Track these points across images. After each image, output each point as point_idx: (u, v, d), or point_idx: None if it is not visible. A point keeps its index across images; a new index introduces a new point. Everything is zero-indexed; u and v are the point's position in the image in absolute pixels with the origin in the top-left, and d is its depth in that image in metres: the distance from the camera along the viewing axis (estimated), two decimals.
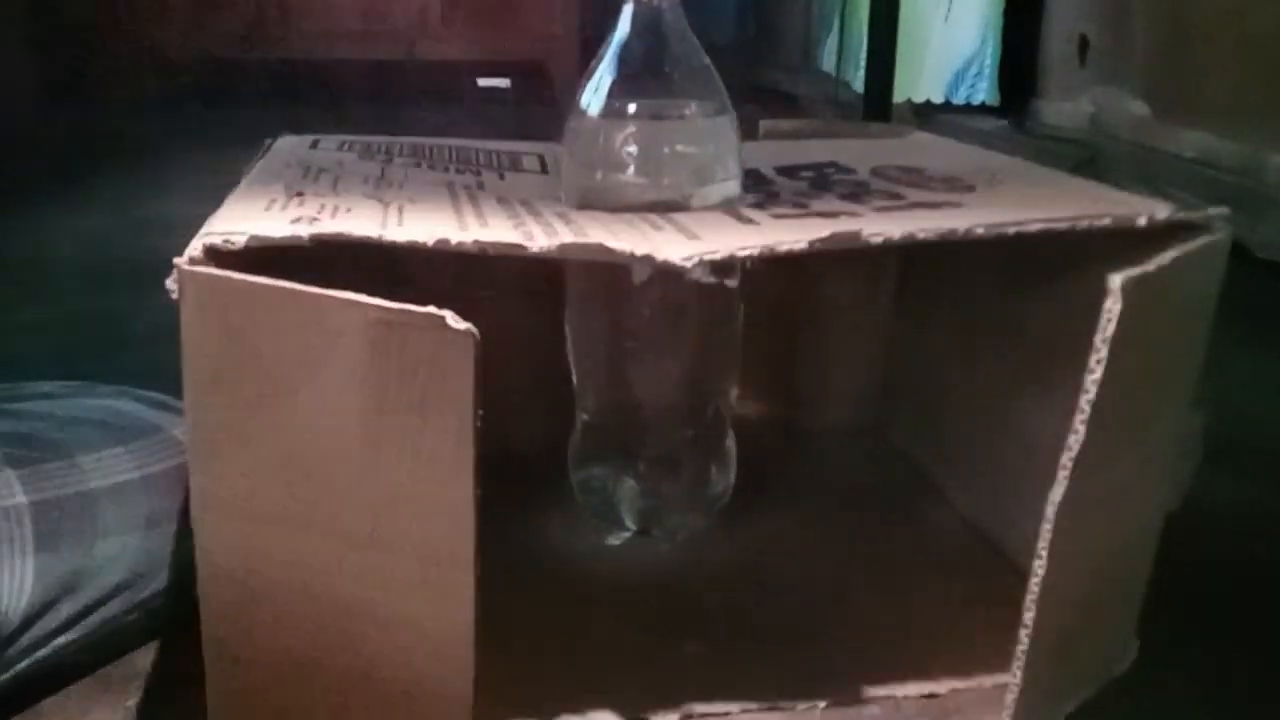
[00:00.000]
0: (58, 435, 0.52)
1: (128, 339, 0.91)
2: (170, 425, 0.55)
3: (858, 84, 2.02)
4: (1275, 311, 1.08)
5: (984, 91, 1.98)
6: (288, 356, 0.37)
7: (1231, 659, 0.54)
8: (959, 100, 2.00)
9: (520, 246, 0.40)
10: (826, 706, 0.49)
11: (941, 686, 0.51)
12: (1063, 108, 1.79)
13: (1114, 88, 1.65)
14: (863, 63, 1.98)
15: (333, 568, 0.40)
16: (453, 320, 0.34)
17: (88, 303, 1.07)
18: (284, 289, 0.36)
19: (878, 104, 1.88)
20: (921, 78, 2.03)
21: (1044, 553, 0.43)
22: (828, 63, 2.36)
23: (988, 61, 1.97)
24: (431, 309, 0.35)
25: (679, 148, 0.51)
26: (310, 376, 0.37)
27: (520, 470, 0.71)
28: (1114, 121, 1.64)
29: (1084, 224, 0.44)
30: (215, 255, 0.37)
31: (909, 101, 2.01)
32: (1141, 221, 0.44)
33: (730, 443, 0.62)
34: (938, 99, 2.03)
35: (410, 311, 0.35)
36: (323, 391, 0.37)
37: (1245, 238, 1.20)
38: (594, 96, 0.52)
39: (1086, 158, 1.55)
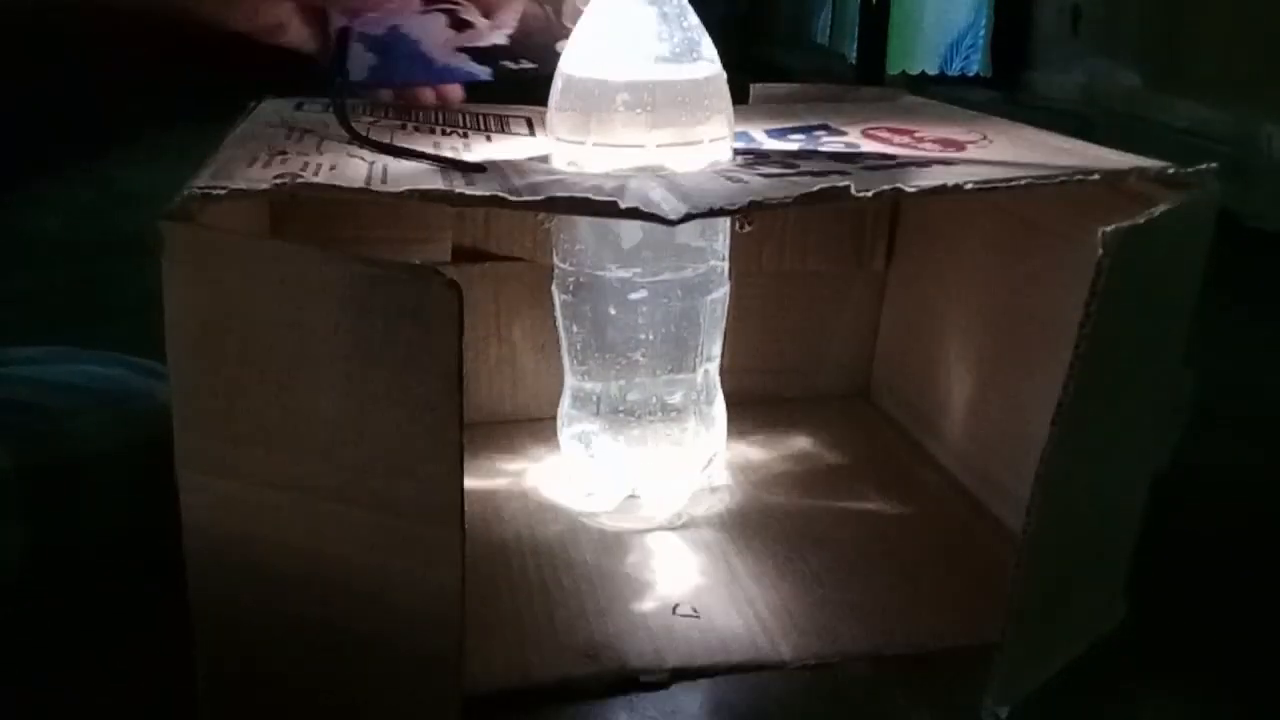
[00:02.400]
0: (46, 401, 0.52)
1: (116, 310, 0.91)
2: (160, 392, 0.54)
3: (852, 57, 2.01)
4: (1266, 279, 1.08)
5: (977, 63, 1.97)
6: (271, 312, 0.36)
7: (1220, 620, 0.55)
8: (953, 72, 2.00)
9: (503, 199, 0.40)
10: (814, 665, 0.49)
11: (929, 646, 0.51)
12: (1056, 79, 1.79)
13: (1107, 58, 1.64)
14: (856, 35, 1.98)
15: (320, 527, 0.39)
16: (436, 273, 0.34)
17: (75, 274, 1.07)
18: (266, 243, 0.35)
19: (871, 76, 1.88)
20: (915, 50, 2.02)
21: (1032, 508, 0.43)
22: (822, 36, 2.34)
23: (981, 33, 1.96)
24: (414, 261, 0.34)
25: (667, 107, 0.51)
26: (294, 333, 0.37)
27: (510, 435, 0.71)
28: (1107, 92, 1.63)
29: (1075, 179, 0.44)
30: (198, 212, 0.37)
31: (903, 73, 2.00)
32: (1131, 177, 0.44)
33: (720, 408, 0.62)
34: (932, 71, 2.02)
35: (394, 264, 0.34)
36: (307, 348, 0.37)
37: (1237, 207, 1.20)
38: (582, 57, 0.52)
39: (1079, 129, 1.55)
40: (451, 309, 0.34)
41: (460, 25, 0.57)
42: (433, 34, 0.57)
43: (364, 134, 0.50)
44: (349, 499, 0.38)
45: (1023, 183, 0.43)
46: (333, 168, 0.43)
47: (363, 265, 0.35)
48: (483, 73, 0.57)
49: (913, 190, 0.42)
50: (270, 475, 0.38)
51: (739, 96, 0.57)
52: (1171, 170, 0.44)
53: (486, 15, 0.57)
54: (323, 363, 0.36)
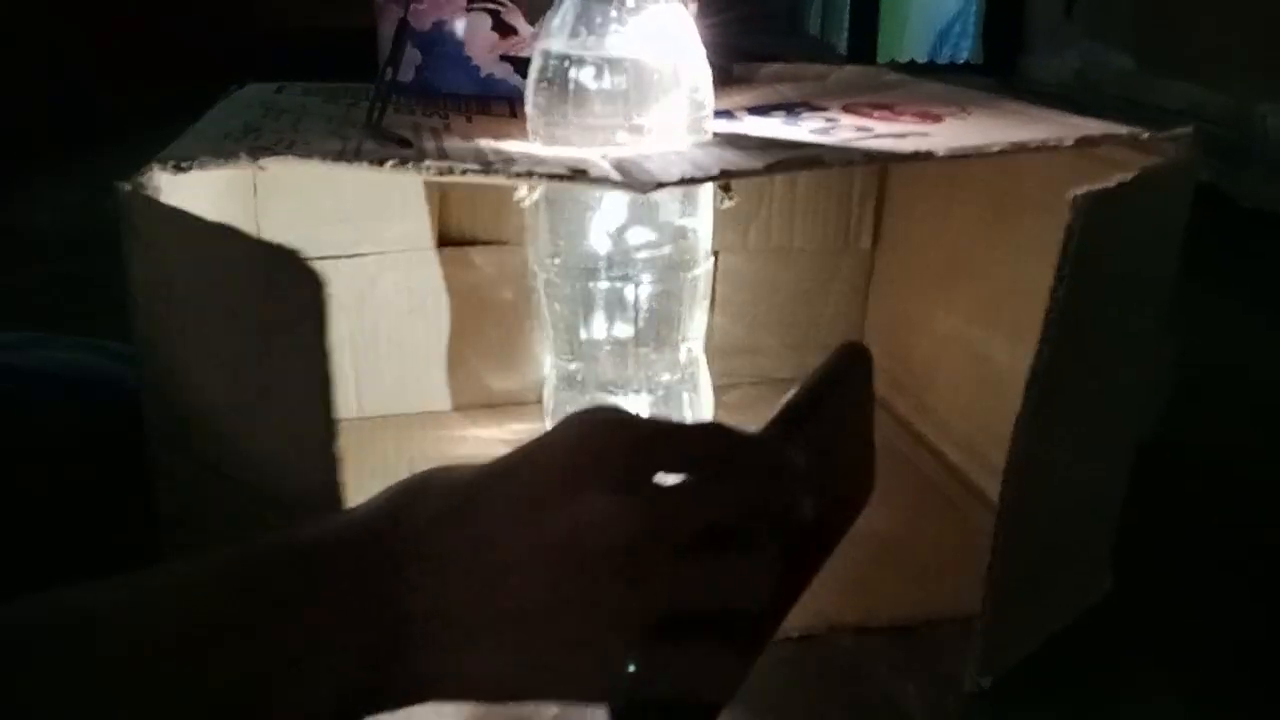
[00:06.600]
0: (14, 387, 0.51)
1: (107, 304, 0.91)
2: (130, 378, 0.54)
3: (843, 47, 2.01)
4: (1258, 258, 1.08)
5: (968, 50, 1.97)
6: (200, 287, 0.35)
7: (1208, 594, 0.54)
8: (943, 60, 2.00)
9: (479, 171, 0.40)
10: (799, 638, 0.49)
11: (912, 619, 0.51)
12: (1049, 64, 1.78)
13: (1101, 42, 1.64)
14: (847, 25, 1.97)
15: (243, 511, 0.38)
16: (300, 257, 0.32)
17: (68, 269, 1.07)
18: (191, 217, 0.34)
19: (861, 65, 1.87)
20: (905, 38, 2.03)
21: (1009, 479, 0.42)
22: (813, 26, 2.34)
23: (971, 20, 1.96)
24: (284, 244, 0.33)
25: (646, 84, 0.51)
26: (214, 309, 0.36)
27: (496, 418, 0.71)
28: (1101, 76, 1.63)
29: (1049, 145, 0.44)
30: (165, 183, 0.37)
31: (893, 62, 2.00)
32: (1104, 143, 0.44)
33: (705, 386, 0.62)
34: (921, 59, 2.02)
35: (269, 246, 0.33)
36: (223, 324, 0.36)
37: (1231, 188, 1.20)
38: (560, 33, 0.52)
39: (1073, 113, 1.54)
40: (316, 296, 0.32)
41: (504, 29, 0.57)
42: (477, 36, 0.57)
43: (343, 114, 0.50)
44: (255, 486, 0.37)
45: (995, 149, 0.43)
46: (307, 143, 0.43)
47: (252, 246, 0.34)
48: (524, 86, 0.57)
49: (886, 159, 0.42)
50: (205, 455, 0.38)
51: (722, 77, 0.57)
52: (1145, 136, 0.44)
53: (531, 22, 0.57)
54: (232, 344, 0.36)
